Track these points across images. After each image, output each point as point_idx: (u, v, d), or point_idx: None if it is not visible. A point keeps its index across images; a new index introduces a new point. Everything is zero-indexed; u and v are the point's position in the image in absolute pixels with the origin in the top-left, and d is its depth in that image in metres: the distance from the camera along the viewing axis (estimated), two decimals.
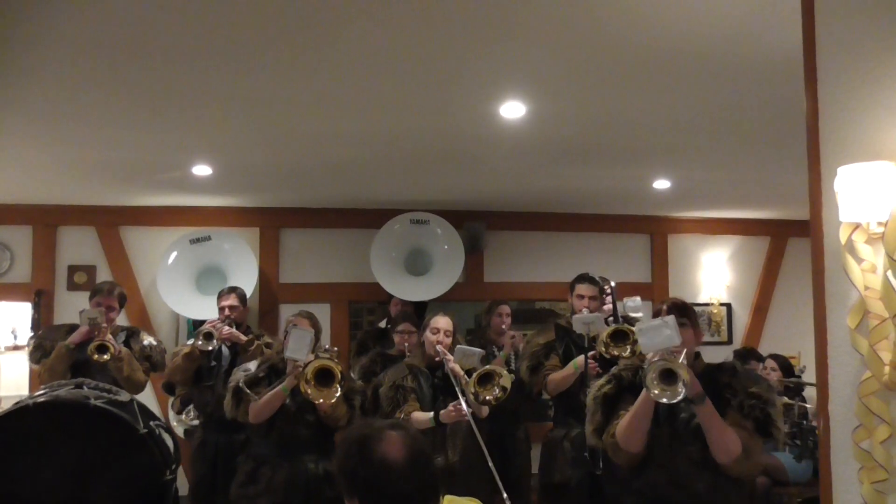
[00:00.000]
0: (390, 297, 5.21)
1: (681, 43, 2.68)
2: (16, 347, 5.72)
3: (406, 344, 4.02)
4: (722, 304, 6.42)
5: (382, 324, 5.23)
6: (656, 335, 2.19)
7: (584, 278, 3.70)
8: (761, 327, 6.48)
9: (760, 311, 6.49)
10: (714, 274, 6.44)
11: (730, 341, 6.34)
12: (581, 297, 3.64)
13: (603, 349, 3.29)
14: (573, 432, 3.50)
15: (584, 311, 3.56)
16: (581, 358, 3.45)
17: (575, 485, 3.45)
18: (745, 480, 2.28)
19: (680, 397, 2.08)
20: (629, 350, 3.26)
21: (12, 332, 5.58)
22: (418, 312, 5.07)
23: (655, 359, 2.15)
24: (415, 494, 1.52)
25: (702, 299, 6.40)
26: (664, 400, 2.10)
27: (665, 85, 3.13)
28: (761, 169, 4.66)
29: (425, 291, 5.32)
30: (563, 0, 2.37)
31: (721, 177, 4.95)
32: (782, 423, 2.27)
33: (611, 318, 3.54)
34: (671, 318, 2.23)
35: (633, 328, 3.33)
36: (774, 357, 4.97)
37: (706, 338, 6.29)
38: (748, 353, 5.22)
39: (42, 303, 5.25)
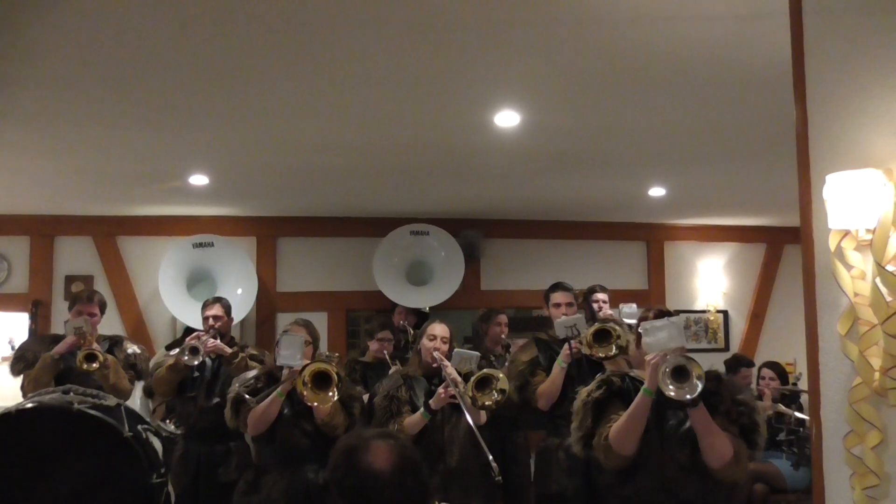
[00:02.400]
0: (394, 306, 5.23)
1: (674, 52, 2.70)
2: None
3: (385, 352, 4.02)
4: (718, 311, 6.43)
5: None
6: (661, 335, 2.20)
7: (558, 286, 3.71)
8: (758, 334, 6.49)
9: (757, 317, 6.50)
10: (710, 281, 6.45)
11: (726, 348, 6.34)
12: (558, 305, 3.64)
13: (588, 351, 3.28)
14: (567, 441, 3.49)
15: (563, 317, 3.55)
16: (562, 353, 3.42)
17: (571, 495, 3.43)
18: (733, 487, 2.29)
19: (697, 392, 2.07)
20: (614, 348, 3.25)
21: (9, 342, 5.54)
22: (420, 322, 5.08)
23: (659, 358, 2.15)
24: (405, 501, 1.53)
25: (698, 306, 6.41)
26: (687, 397, 2.08)
27: (659, 93, 3.15)
28: (756, 176, 4.69)
29: (425, 300, 5.37)
30: (557, 10, 2.39)
31: (716, 184, 4.98)
32: (765, 430, 2.29)
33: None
34: (677, 319, 2.24)
35: (615, 326, 3.35)
36: (771, 366, 4.97)
37: (703, 345, 6.31)
38: (738, 361, 5.22)
39: (39, 313, 5.24)
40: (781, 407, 4.60)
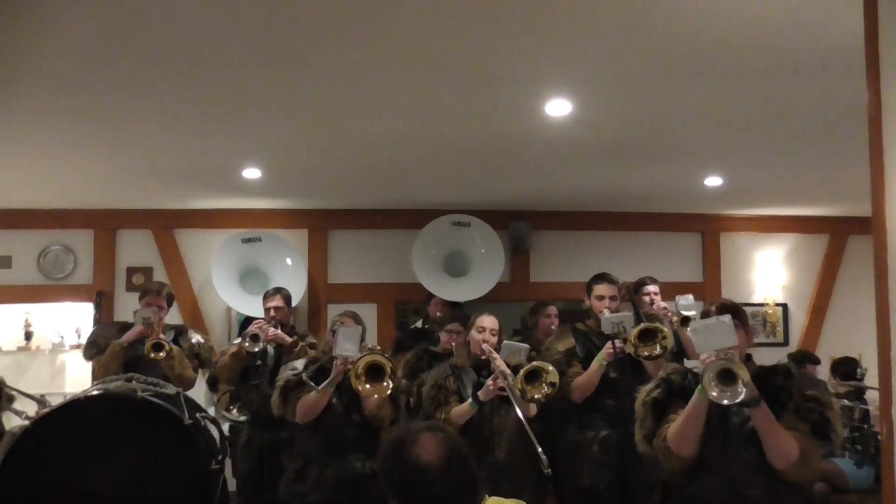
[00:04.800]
0: (430, 297, 5.23)
1: (734, 35, 2.61)
2: (80, 346, 5.95)
3: (453, 343, 4.01)
4: (777, 305, 6.23)
5: (419, 324, 5.25)
6: (711, 334, 2.15)
7: (602, 278, 3.62)
8: (819, 328, 6.26)
9: (818, 311, 6.27)
10: (769, 273, 6.25)
11: (786, 343, 6.15)
12: (601, 297, 3.56)
13: (632, 350, 3.22)
14: (601, 434, 3.45)
15: (606, 311, 3.48)
16: (603, 351, 3.37)
17: (604, 489, 3.39)
18: (802, 486, 2.21)
19: (741, 398, 2.03)
20: (658, 348, 3.18)
21: (76, 331, 5.80)
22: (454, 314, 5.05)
23: (711, 359, 2.11)
24: (450, 496, 1.54)
25: (756, 299, 6.22)
26: (724, 401, 2.05)
27: (717, 78, 3.05)
28: (819, 163, 4.51)
29: (465, 293, 5.33)
30: None
31: (776, 172, 4.81)
32: (841, 427, 2.19)
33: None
34: (727, 317, 2.18)
35: (661, 326, 3.27)
36: (839, 363, 4.81)
37: (761, 339, 6.12)
38: (803, 357, 5.05)
39: (103, 303, 5.45)
40: (845, 401, 4.44)
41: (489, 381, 3.10)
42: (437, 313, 4.97)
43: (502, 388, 3.06)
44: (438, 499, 1.54)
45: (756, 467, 2.17)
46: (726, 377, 2.05)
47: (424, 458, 1.54)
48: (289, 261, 5.47)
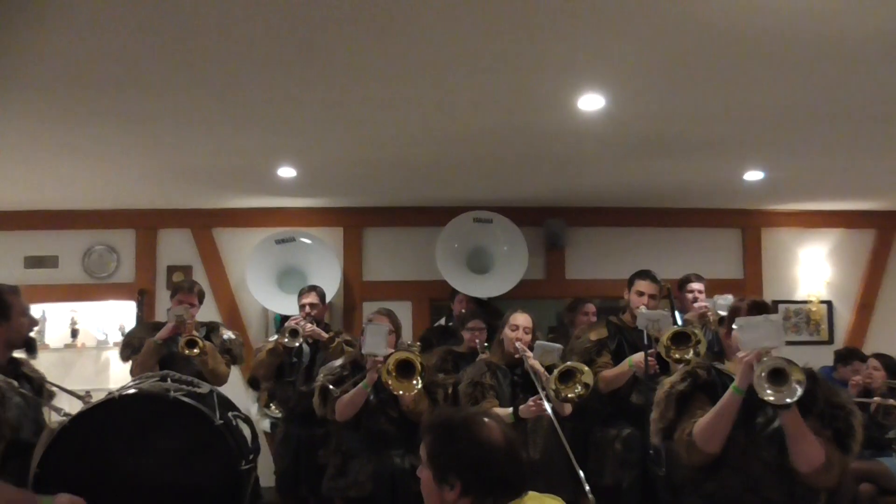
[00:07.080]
0: (454, 294, 5.22)
1: (774, 24, 2.54)
2: None
3: (477, 341, 4.01)
4: (822, 302, 6.05)
5: (443, 321, 5.24)
6: (756, 332, 2.11)
7: (645, 275, 3.60)
8: (866, 326, 6.07)
9: (865, 308, 6.08)
10: (813, 270, 6.08)
11: (831, 341, 5.98)
12: (641, 293, 3.54)
13: (663, 351, 3.17)
14: (624, 433, 3.42)
15: (643, 308, 3.45)
16: (636, 356, 3.35)
17: (626, 487, 3.36)
18: (819, 491, 2.17)
19: (796, 397, 1.99)
20: (692, 353, 3.13)
21: (120, 329, 5.94)
22: (479, 310, 5.03)
23: (750, 357, 2.06)
24: (514, 479, 1.57)
25: (799, 296, 6.07)
26: (776, 400, 2.00)
27: (756, 69, 2.98)
28: (865, 155, 4.37)
29: (488, 289, 5.31)
30: None
31: (820, 165, 4.67)
32: (861, 436, 2.15)
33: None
34: (777, 316, 2.15)
35: (695, 331, 3.22)
36: (879, 356, 4.63)
37: (804, 337, 5.97)
38: (850, 354, 4.89)
39: (145, 301, 5.58)
40: (891, 401, 4.29)
41: (531, 402, 3.07)
42: (462, 310, 4.97)
43: (544, 410, 3.02)
44: (505, 480, 1.57)
45: (777, 468, 2.14)
46: (777, 377, 2.01)
47: (494, 438, 1.57)
48: (323, 258, 5.52)
